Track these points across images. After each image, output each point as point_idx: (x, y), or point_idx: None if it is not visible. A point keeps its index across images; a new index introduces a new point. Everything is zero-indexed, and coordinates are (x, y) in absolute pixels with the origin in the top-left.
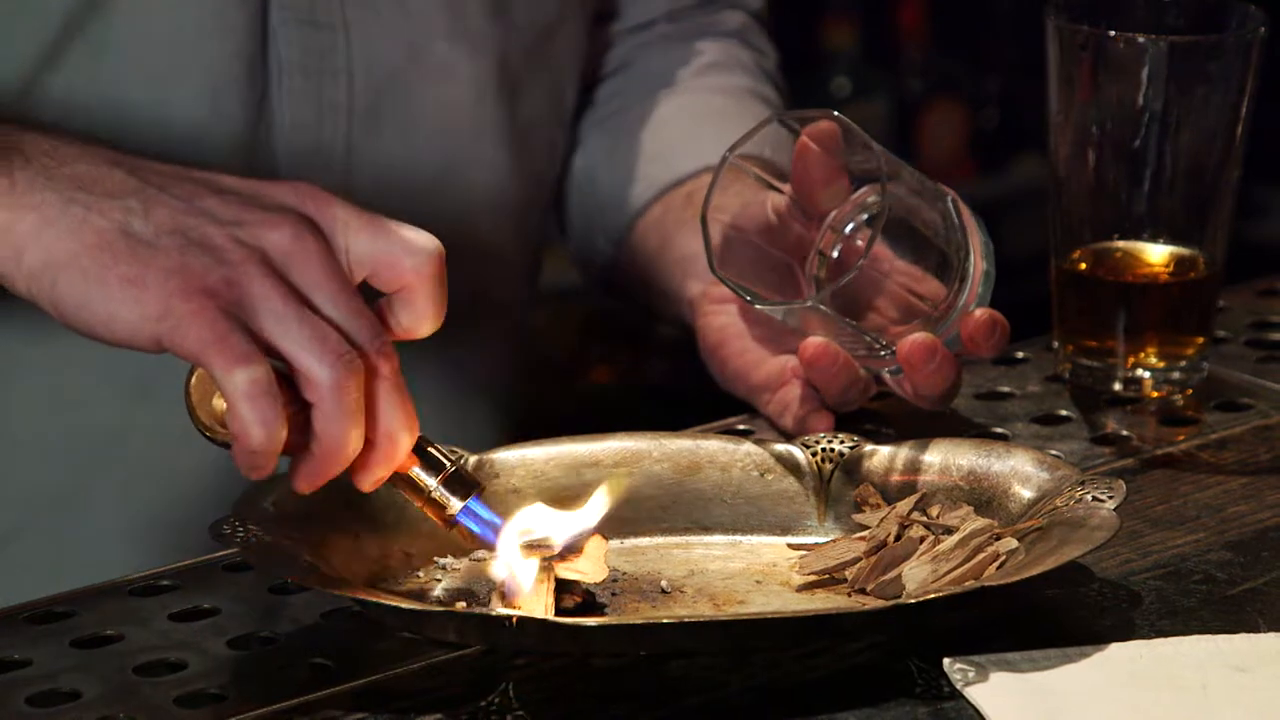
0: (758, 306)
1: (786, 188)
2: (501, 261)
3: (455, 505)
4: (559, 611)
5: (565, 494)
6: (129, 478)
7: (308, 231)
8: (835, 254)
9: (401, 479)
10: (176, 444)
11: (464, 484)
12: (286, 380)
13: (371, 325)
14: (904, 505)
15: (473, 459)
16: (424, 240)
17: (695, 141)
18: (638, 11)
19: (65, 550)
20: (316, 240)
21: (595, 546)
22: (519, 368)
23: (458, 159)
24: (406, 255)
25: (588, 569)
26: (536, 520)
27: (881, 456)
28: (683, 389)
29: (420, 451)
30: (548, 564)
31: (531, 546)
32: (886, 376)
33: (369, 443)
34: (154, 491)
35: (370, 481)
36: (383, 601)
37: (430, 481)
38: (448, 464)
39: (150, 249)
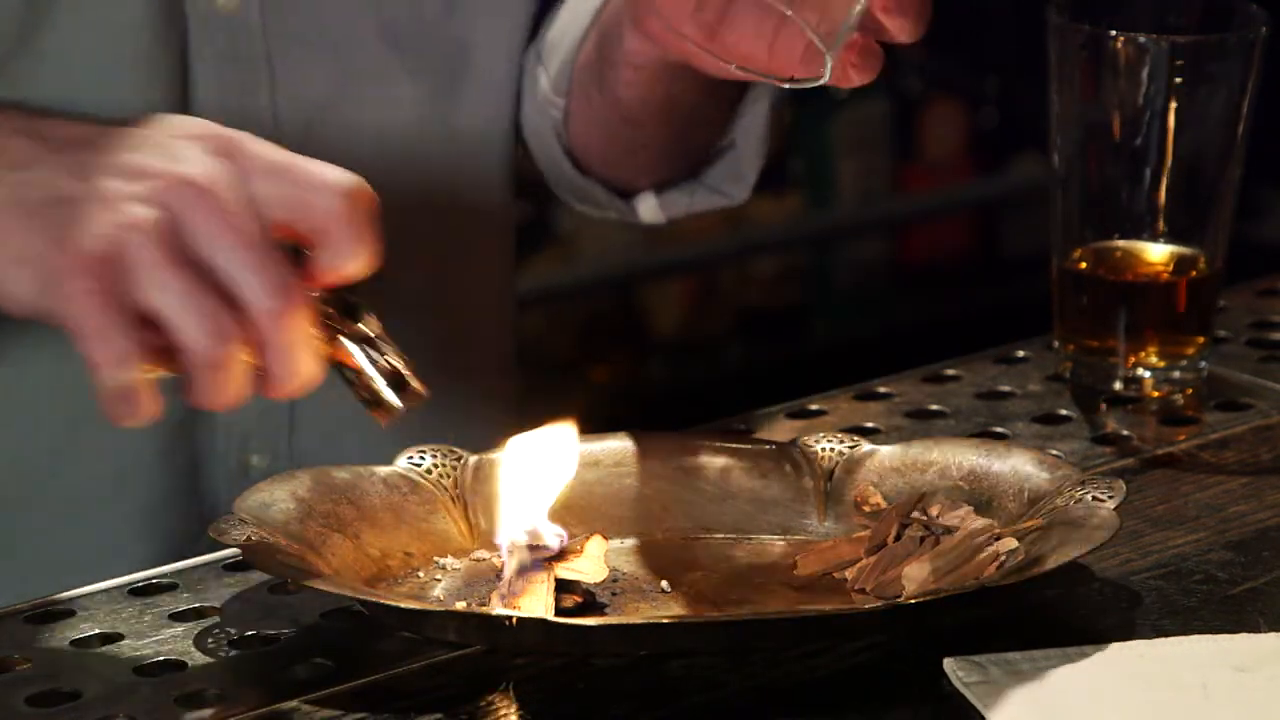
0: None
1: None
2: (478, 246)
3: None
4: (559, 611)
5: (565, 494)
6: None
7: (212, 184)
8: None
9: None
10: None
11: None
12: None
13: (275, 278)
14: (904, 505)
15: (473, 459)
16: (333, 177)
17: None
18: None
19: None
20: (220, 192)
21: (595, 546)
22: (516, 365)
23: (402, 168)
24: (315, 196)
25: (588, 569)
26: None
27: (881, 456)
28: (683, 389)
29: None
30: (548, 564)
31: (531, 547)
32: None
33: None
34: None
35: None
36: (383, 601)
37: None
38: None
39: (41, 221)
